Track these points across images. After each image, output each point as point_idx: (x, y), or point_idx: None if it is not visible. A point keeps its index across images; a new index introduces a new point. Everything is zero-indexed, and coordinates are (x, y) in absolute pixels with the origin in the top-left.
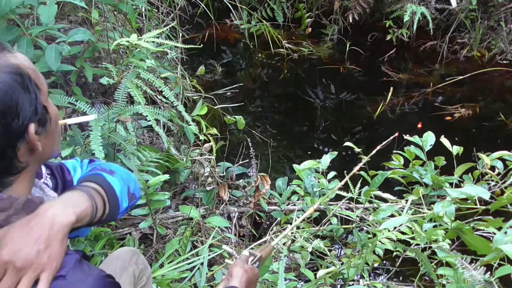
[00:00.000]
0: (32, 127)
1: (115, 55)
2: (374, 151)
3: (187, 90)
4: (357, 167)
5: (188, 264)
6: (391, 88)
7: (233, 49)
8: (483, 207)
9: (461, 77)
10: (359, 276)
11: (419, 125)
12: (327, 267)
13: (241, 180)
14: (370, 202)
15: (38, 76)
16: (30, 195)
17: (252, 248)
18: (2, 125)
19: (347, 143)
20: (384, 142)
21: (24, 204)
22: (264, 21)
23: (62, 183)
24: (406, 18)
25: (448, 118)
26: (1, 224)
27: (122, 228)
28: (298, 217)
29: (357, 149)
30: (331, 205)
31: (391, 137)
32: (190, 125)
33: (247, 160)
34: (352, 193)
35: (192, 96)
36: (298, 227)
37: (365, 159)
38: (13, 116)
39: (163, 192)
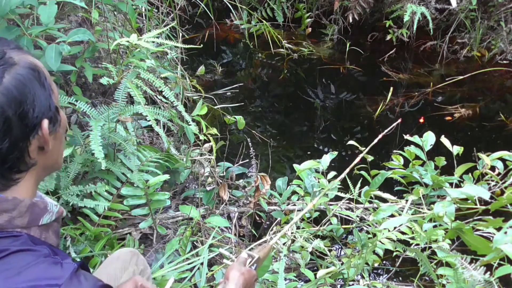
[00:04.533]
0: (46, 122)
1: (115, 55)
2: (375, 141)
3: (187, 90)
4: (357, 159)
5: (188, 264)
6: (391, 88)
7: (233, 49)
8: (483, 207)
9: (461, 77)
10: (359, 276)
11: (421, 120)
12: (327, 267)
13: (241, 180)
14: (370, 202)
15: (51, 80)
16: (34, 199)
17: (251, 249)
18: (19, 115)
19: (351, 142)
20: (386, 130)
21: (28, 207)
22: (264, 21)
23: None
24: (406, 18)
25: (448, 118)
26: (4, 225)
27: (122, 228)
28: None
29: (361, 148)
30: (331, 205)
31: (394, 124)
32: (190, 125)
33: (247, 160)
34: (352, 193)
35: (192, 96)
36: (298, 227)
37: (364, 151)
38: (29, 108)
39: (163, 192)
